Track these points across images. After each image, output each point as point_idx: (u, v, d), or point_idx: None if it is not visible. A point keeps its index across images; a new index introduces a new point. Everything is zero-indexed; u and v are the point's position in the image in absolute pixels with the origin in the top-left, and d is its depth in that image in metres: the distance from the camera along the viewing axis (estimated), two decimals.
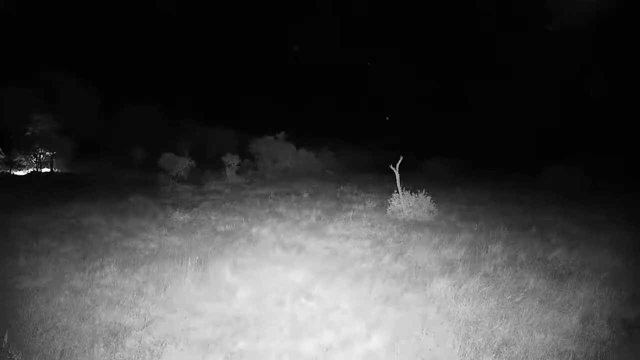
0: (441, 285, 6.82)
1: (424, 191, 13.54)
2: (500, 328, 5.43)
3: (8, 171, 27.58)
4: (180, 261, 7.78)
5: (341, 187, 20.40)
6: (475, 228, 11.64)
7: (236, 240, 10.11)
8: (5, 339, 4.65)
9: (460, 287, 6.82)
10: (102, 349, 4.71)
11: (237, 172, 24.73)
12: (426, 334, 5.23)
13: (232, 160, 24.46)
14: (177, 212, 12.93)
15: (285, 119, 41.53)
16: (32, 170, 28.54)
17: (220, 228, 11.33)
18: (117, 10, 53.57)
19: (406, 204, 13.21)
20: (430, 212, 13.25)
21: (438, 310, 5.99)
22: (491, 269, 7.90)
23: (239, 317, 5.67)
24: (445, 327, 5.46)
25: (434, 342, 5.05)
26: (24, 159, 28.47)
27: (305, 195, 18.09)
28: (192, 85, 54.89)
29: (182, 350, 4.72)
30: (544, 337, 5.26)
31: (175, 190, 19.23)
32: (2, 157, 27.58)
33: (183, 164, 22.25)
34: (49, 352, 4.61)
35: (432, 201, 13.38)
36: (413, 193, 13.51)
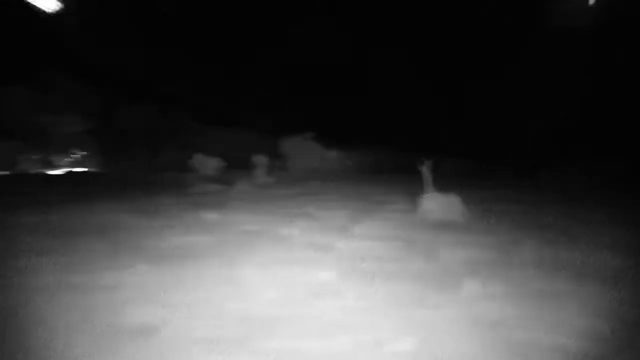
0: (470, 287, 6.87)
1: (454, 192, 13.33)
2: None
3: (43, 171, 28.59)
4: (206, 260, 7.78)
5: (370, 188, 20.13)
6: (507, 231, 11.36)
7: (264, 240, 10.16)
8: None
9: (487, 287, 6.82)
10: (122, 348, 4.75)
11: (267, 173, 24.78)
12: (455, 334, 5.30)
13: (261, 161, 24.54)
14: (206, 211, 12.99)
15: (316, 119, 41.45)
16: (66, 170, 29.50)
17: (249, 228, 11.40)
18: None
19: (436, 205, 13.05)
20: (460, 213, 13.05)
21: (467, 311, 6.02)
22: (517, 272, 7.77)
23: (265, 317, 5.78)
24: (474, 327, 5.47)
25: (464, 342, 5.09)
26: (58, 158, 29.50)
27: (335, 195, 17.91)
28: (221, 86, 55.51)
29: (207, 349, 4.77)
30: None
31: (205, 190, 19.41)
32: (39, 157, 28.63)
33: (213, 165, 22.49)
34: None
35: (462, 202, 13.16)
36: (443, 193, 13.32)
